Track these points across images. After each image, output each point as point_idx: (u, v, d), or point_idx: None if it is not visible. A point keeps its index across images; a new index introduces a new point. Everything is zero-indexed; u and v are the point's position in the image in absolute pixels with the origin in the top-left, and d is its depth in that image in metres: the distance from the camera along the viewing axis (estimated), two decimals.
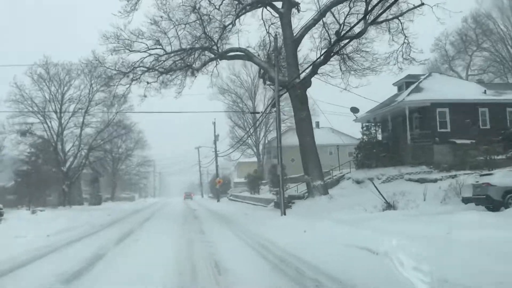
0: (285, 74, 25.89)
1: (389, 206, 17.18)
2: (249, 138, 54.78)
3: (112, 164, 59.12)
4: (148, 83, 28.12)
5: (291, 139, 60.08)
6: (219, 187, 50.04)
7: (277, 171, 20.27)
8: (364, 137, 30.32)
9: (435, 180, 21.59)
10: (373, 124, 30.90)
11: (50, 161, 39.38)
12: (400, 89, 31.95)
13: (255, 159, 75.63)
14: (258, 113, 49.18)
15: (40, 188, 46.93)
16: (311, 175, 24.08)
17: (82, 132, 38.44)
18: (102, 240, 13.78)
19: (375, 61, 25.54)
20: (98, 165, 40.95)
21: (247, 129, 53.38)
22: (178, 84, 28.23)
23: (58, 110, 37.11)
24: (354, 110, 32.92)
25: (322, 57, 23.74)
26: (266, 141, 55.29)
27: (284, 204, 19.43)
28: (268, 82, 28.27)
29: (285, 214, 19.21)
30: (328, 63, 25.49)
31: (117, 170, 59.65)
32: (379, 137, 30.54)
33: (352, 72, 26.11)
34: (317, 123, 60.68)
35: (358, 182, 27.13)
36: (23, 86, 35.34)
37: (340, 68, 26.19)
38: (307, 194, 24.65)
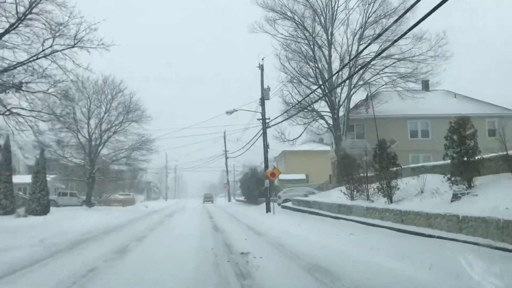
0: None
1: None
2: (317, 101, 31.09)
3: (89, 144, 36.21)
4: None
5: (389, 105, 35.88)
6: (272, 184, 26.12)
7: None
8: None
9: None
10: None
11: None
12: None
13: (308, 146, 51.83)
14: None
15: None
16: None
17: None
18: None
19: None
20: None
21: (321, 81, 29.69)
22: None
23: None
24: None
25: None
26: (349, 106, 31.34)
27: None
28: None
29: None
30: None
31: (96, 155, 36.56)
32: None
33: None
34: (425, 83, 36.40)
35: None
36: None
37: None
38: None
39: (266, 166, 27.46)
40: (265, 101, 27.48)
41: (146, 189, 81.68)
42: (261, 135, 28.77)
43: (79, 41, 16.34)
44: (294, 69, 31.16)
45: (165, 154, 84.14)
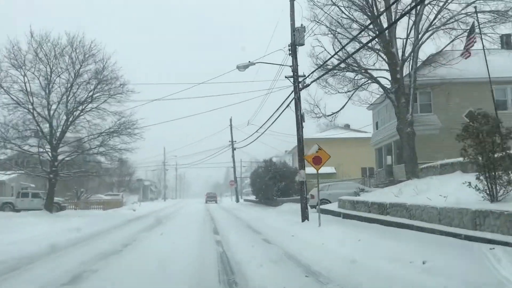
0: None
1: None
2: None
3: (49, 128, 26.59)
4: None
5: (464, 66, 24.50)
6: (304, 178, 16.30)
7: None
8: None
9: None
10: None
11: None
12: None
13: (330, 133, 41.90)
14: None
15: None
16: None
17: None
18: None
19: None
20: None
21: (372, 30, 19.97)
22: None
23: None
24: None
25: None
26: (417, 61, 21.45)
27: None
28: None
29: None
30: None
31: (59, 141, 26.84)
32: None
33: None
34: (506, 39, 26.47)
35: None
36: None
37: None
38: None
39: (301, 149, 17.57)
40: (298, 48, 17.63)
41: (141, 188, 72.02)
42: (289, 103, 18.96)
43: None
44: (340, 9, 21.21)
45: (163, 148, 74.81)
